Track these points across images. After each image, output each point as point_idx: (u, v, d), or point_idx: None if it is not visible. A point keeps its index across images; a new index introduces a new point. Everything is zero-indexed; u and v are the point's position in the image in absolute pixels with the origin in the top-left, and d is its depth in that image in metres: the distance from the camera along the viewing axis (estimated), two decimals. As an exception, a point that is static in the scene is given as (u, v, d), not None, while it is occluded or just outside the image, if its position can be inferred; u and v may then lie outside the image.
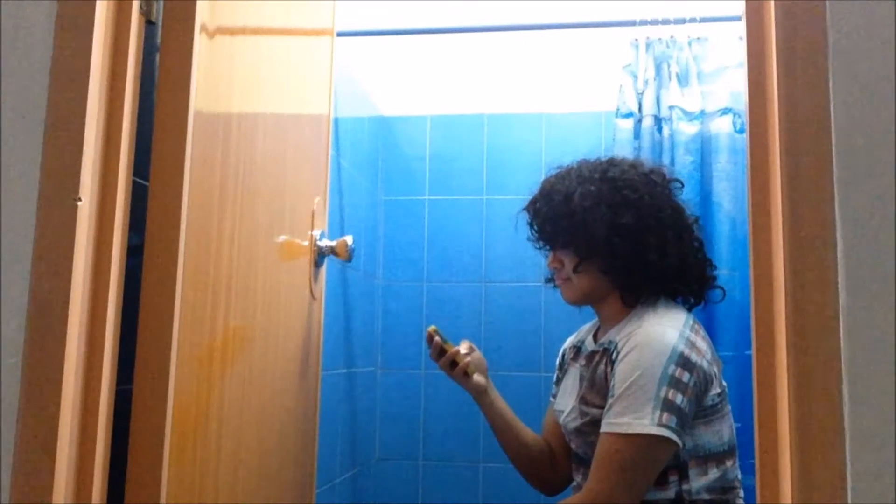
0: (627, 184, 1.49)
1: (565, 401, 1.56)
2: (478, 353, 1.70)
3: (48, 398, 0.86)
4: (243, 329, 1.27)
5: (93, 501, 0.90)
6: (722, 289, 1.57)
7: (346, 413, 2.32)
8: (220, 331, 1.18)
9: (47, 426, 0.86)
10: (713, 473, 1.39)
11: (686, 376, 1.34)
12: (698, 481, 1.38)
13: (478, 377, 1.65)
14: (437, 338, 1.63)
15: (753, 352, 0.97)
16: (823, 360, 0.85)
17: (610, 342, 1.45)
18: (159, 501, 0.97)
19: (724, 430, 1.42)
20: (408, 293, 2.73)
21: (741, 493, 1.45)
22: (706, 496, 1.38)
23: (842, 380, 0.84)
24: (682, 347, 1.35)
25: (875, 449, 0.83)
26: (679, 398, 1.32)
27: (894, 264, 0.85)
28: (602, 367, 1.45)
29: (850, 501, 0.82)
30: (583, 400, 1.48)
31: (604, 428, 1.35)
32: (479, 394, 1.65)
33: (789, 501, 0.87)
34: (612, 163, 1.55)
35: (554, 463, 1.65)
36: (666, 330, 1.38)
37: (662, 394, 1.31)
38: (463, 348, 1.67)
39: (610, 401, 1.36)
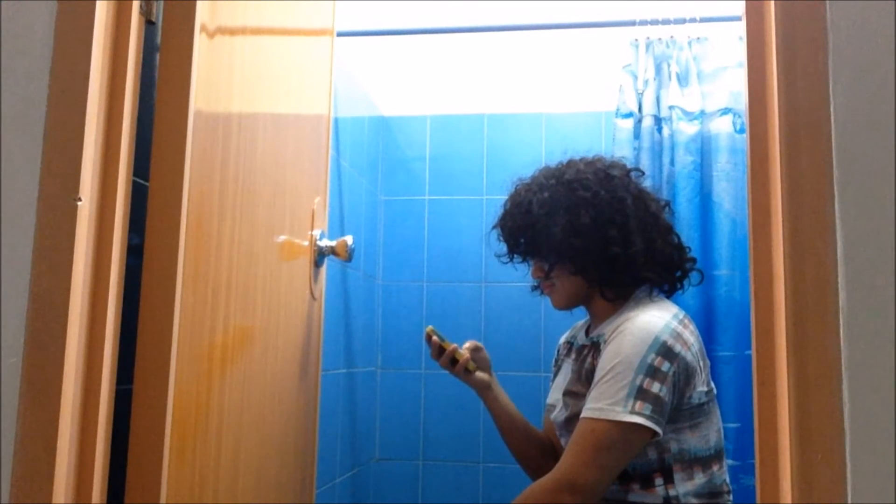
0: (581, 183, 1.50)
1: (555, 395, 1.58)
2: (483, 353, 1.72)
3: (48, 398, 0.86)
4: (243, 329, 1.27)
5: (93, 501, 0.90)
6: (700, 272, 1.57)
7: (346, 413, 2.32)
8: (219, 331, 1.18)
9: (47, 426, 0.86)
10: (699, 478, 1.39)
11: (665, 365, 1.34)
12: (684, 486, 1.38)
13: (481, 374, 1.67)
14: (434, 337, 1.65)
15: (753, 352, 0.97)
16: (823, 360, 0.85)
17: (599, 335, 1.47)
18: (159, 501, 0.97)
19: (710, 434, 1.42)
20: (408, 293, 2.73)
21: (731, 499, 1.46)
22: (694, 501, 1.38)
23: (842, 380, 0.84)
24: (665, 337, 1.36)
25: (875, 449, 0.83)
26: (656, 386, 1.33)
27: (894, 264, 0.85)
28: (589, 359, 1.47)
29: (850, 501, 0.82)
30: (569, 393, 1.49)
31: (582, 413, 1.37)
32: (483, 389, 1.67)
33: (789, 501, 0.87)
34: (569, 165, 1.57)
35: (556, 457, 1.66)
36: (651, 320, 1.40)
37: (638, 382, 1.32)
38: (467, 345, 1.70)
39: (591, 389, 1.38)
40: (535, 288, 1.67)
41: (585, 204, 1.48)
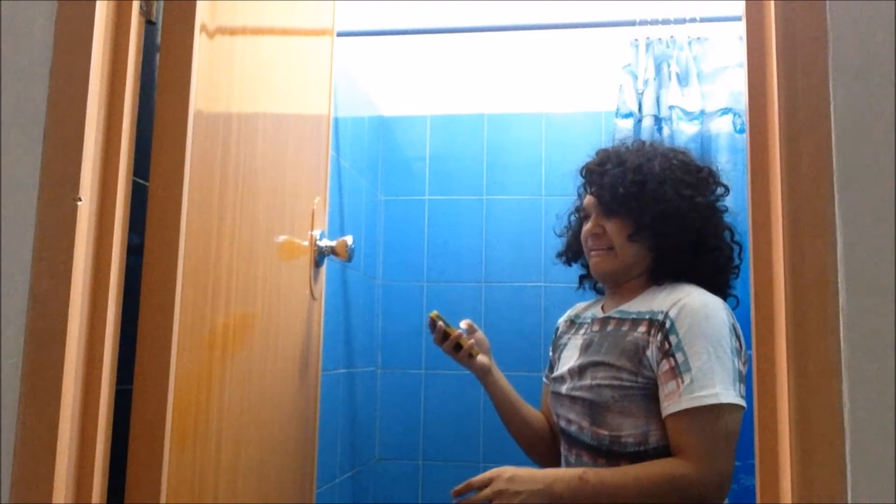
0: (700, 168, 1.54)
1: (568, 367, 1.52)
2: (480, 333, 1.72)
3: (48, 398, 0.86)
4: (243, 329, 1.27)
5: (93, 501, 0.90)
6: (736, 297, 1.56)
7: (346, 413, 2.32)
8: (219, 331, 1.18)
9: (47, 426, 0.86)
10: None
11: (738, 344, 1.39)
12: None
13: (482, 358, 1.67)
14: (440, 322, 1.65)
15: (753, 352, 0.97)
16: (823, 360, 0.85)
17: (652, 312, 1.42)
18: (159, 501, 0.97)
19: None
20: (408, 293, 2.73)
21: None
22: None
23: (842, 380, 0.84)
24: (731, 318, 1.40)
25: (875, 449, 0.83)
26: (741, 366, 1.37)
27: (894, 264, 0.85)
28: (636, 334, 1.41)
29: (850, 501, 0.82)
30: (600, 364, 1.43)
31: (690, 403, 1.32)
32: (484, 374, 1.67)
33: (789, 501, 0.87)
34: (676, 148, 1.60)
35: (553, 439, 1.66)
36: (717, 301, 1.42)
37: (735, 365, 1.35)
38: (463, 325, 1.70)
39: (686, 376, 1.33)
40: (559, 254, 1.68)
41: (703, 187, 1.51)
